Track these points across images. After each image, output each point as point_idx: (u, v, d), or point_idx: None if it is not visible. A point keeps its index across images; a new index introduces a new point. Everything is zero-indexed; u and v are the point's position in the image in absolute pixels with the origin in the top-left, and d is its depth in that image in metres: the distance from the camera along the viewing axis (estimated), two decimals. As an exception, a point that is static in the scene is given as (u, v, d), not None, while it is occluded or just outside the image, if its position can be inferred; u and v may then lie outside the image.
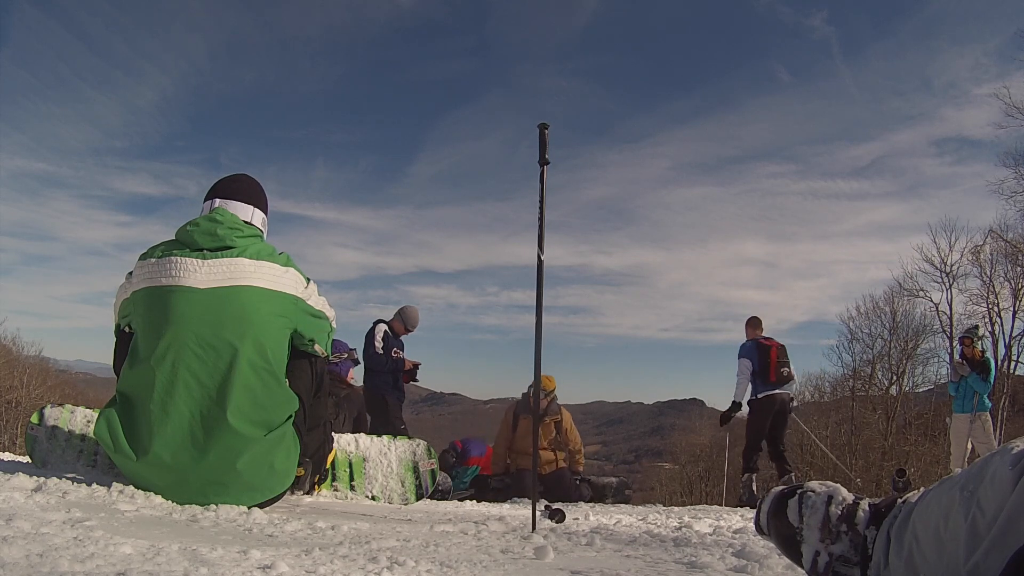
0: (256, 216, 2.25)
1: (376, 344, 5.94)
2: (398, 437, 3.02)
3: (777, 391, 6.02)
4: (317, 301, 2.21)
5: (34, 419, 2.56)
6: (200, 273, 1.98)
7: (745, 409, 6.24)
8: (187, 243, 2.06)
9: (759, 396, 6.04)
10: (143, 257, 2.07)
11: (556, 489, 5.58)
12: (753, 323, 6.48)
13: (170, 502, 1.92)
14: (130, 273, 2.10)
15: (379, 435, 3.05)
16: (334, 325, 2.34)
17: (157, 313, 1.96)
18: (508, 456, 5.88)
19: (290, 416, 2.08)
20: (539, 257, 2.34)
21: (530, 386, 5.83)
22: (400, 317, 6.30)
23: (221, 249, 2.05)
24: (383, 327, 6.09)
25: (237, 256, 2.03)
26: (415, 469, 2.90)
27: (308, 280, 2.19)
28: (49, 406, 2.64)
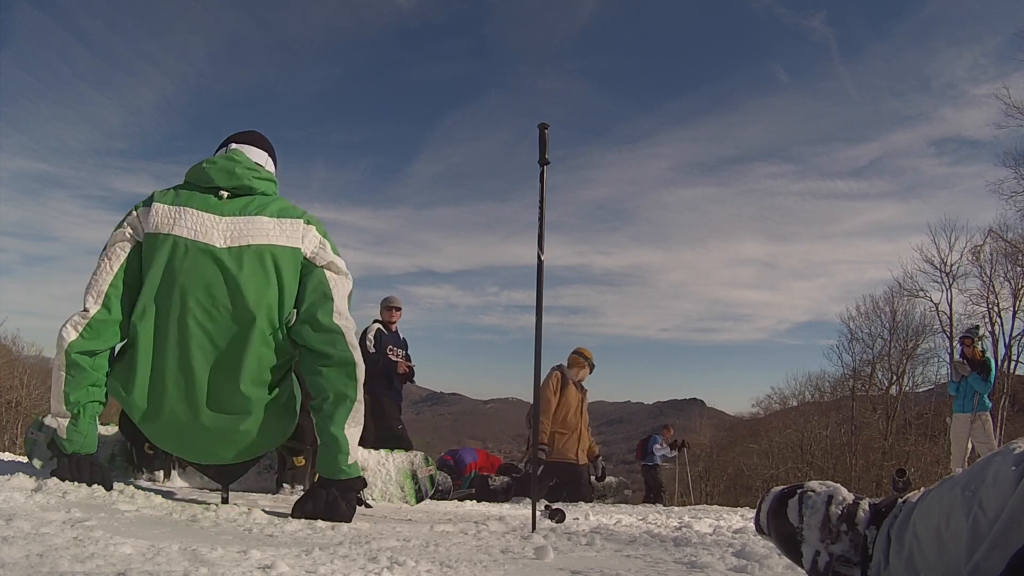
0: (268, 163, 2.24)
1: (368, 344, 5.92)
2: (395, 450, 3.04)
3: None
4: (335, 262, 2.10)
5: (34, 427, 2.56)
6: (217, 230, 1.94)
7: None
8: (202, 181, 2.03)
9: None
10: (154, 200, 1.98)
11: (579, 485, 5.51)
12: (667, 428, 11.62)
13: (170, 501, 1.93)
14: (136, 208, 2.01)
15: (377, 436, 3.06)
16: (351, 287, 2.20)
17: (174, 266, 1.91)
18: (551, 432, 5.50)
19: (290, 368, 2.07)
20: (539, 257, 2.34)
21: (574, 351, 5.86)
22: (382, 307, 6.30)
23: (238, 190, 2.03)
24: (376, 326, 6.08)
25: (256, 214, 1.99)
26: (414, 476, 2.93)
27: (325, 236, 2.10)
28: (50, 416, 2.62)
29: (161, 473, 2.46)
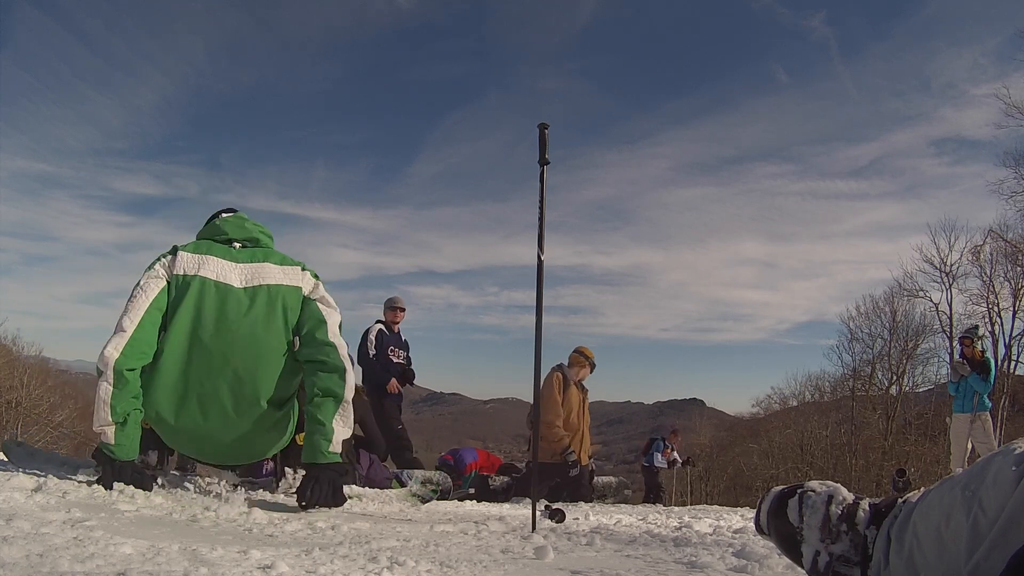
0: None
1: (369, 344, 5.90)
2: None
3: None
4: (326, 298, 2.49)
5: (11, 441, 2.75)
6: (235, 274, 2.34)
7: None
8: (217, 234, 2.45)
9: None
10: (179, 250, 2.34)
11: (579, 485, 5.51)
12: (675, 432, 11.42)
13: (170, 501, 1.96)
14: (163, 257, 2.34)
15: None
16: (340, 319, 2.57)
17: (201, 302, 2.25)
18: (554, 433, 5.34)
19: (296, 390, 2.42)
20: (539, 257, 2.34)
21: (575, 351, 5.84)
22: (385, 308, 6.29)
23: (248, 242, 2.47)
24: (378, 326, 6.06)
25: (264, 261, 2.41)
26: (415, 494, 3.01)
27: (317, 279, 2.50)
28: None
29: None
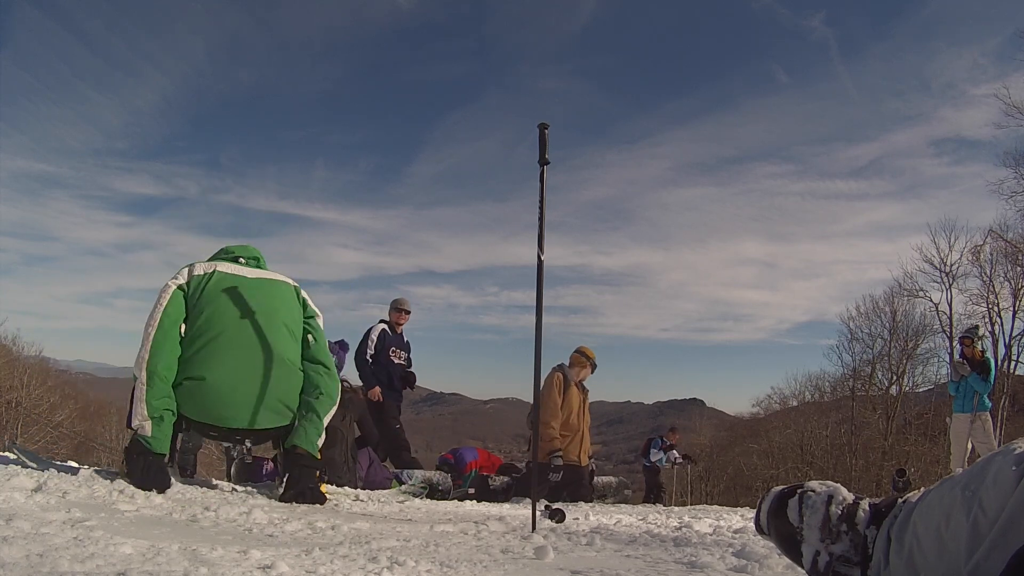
0: None
1: (369, 344, 5.89)
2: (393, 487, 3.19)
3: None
4: (319, 316, 2.92)
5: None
6: (245, 272, 2.74)
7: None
8: (225, 255, 2.83)
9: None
10: (192, 263, 2.68)
11: (580, 486, 5.50)
12: (673, 430, 11.54)
13: (170, 501, 1.97)
14: (177, 274, 2.63)
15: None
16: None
17: (219, 290, 2.58)
18: (560, 436, 5.30)
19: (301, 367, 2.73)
20: (539, 257, 2.34)
21: (576, 351, 5.83)
22: (390, 308, 6.29)
23: (252, 260, 2.87)
24: (381, 326, 6.05)
25: (269, 271, 2.84)
26: (404, 491, 3.08)
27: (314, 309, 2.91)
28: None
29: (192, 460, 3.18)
